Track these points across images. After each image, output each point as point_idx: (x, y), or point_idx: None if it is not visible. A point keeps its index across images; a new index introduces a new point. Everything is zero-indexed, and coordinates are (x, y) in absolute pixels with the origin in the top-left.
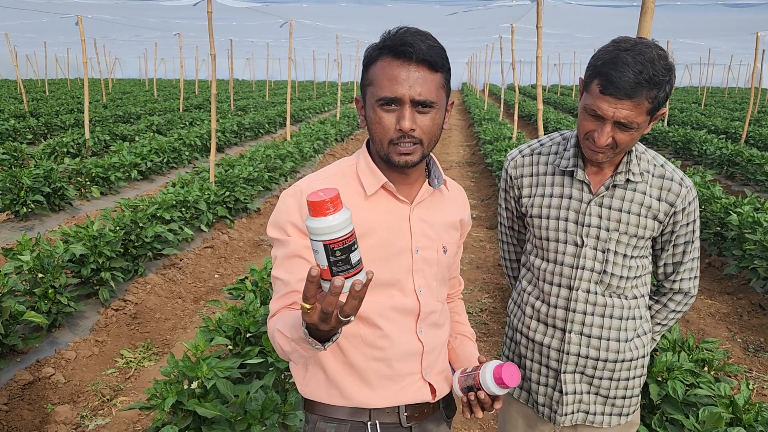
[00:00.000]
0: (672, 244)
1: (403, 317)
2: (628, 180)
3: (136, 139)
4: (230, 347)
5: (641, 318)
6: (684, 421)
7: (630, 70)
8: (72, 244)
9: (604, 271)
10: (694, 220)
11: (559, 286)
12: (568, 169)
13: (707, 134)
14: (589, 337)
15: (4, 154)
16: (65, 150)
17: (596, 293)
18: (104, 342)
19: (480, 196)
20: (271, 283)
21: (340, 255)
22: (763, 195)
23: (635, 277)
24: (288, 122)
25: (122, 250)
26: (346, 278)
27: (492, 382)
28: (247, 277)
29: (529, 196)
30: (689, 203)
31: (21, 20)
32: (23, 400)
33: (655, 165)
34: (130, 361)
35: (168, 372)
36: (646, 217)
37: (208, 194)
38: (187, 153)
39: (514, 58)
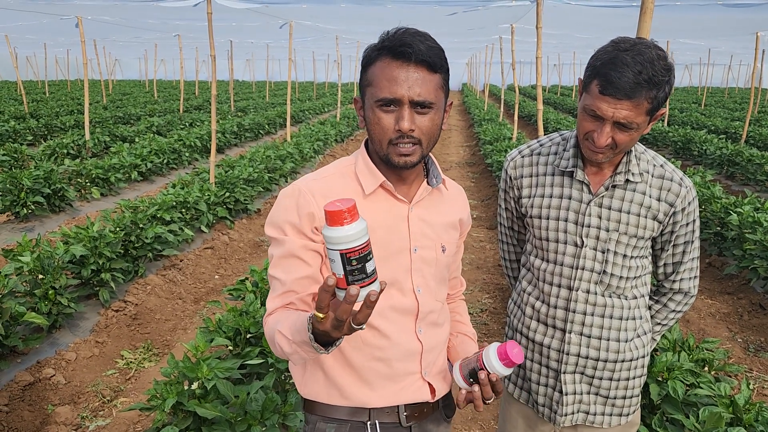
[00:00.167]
0: (672, 244)
1: (402, 317)
2: (627, 180)
3: (136, 140)
4: (230, 348)
5: (641, 318)
6: (684, 421)
7: (629, 70)
8: (72, 245)
9: (604, 272)
10: (694, 220)
11: (559, 286)
12: (567, 169)
13: (707, 134)
14: (589, 337)
15: (4, 155)
16: (65, 151)
17: (596, 293)
18: (104, 343)
19: (480, 196)
20: None
21: (356, 264)
22: (764, 195)
23: (635, 277)
24: (288, 123)
25: (122, 251)
26: (361, 287)
27: (497, 360)
28: (247, 278)
29: (529, 197)
30: (689, 203)
31: (21, 22)
32: (24, 401)
33: (654, 165)
34: (131, 362)
35: (168, 373)
36: (646, 217)
37: (208, 195)
38: (187, 154)
39: (514, 58)
